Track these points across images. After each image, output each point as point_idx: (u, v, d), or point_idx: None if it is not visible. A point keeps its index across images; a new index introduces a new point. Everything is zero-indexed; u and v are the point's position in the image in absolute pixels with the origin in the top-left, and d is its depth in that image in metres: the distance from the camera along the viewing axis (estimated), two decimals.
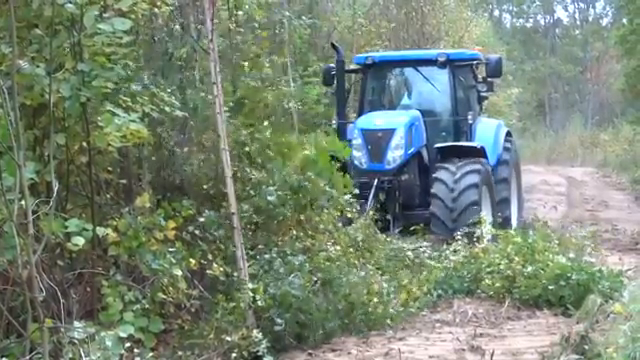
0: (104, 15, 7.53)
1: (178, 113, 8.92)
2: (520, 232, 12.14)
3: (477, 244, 11.86)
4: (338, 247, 10.24)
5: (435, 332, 9.56)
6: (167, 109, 8.65)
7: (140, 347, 7.12)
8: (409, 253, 11.69)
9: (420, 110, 14.47)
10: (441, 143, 14.24)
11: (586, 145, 37.42)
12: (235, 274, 8.67)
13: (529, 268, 10.75)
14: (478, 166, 13.46)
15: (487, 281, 10.88)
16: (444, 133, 14.72)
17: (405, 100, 15.12)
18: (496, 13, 59.12)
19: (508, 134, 15.33)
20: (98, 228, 7.38)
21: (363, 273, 10.03)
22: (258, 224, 9.77)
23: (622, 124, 36.75)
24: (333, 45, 15.22)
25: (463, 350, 8.69)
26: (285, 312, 8.64)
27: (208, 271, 8.67)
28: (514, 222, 14.74)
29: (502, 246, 11.48)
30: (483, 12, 44.58)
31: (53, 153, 6.62)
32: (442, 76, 14.69)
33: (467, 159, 13.59)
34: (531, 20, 59.21)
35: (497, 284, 10.80)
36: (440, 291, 10.95)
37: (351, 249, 10.63)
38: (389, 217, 13.29)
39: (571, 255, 11.19)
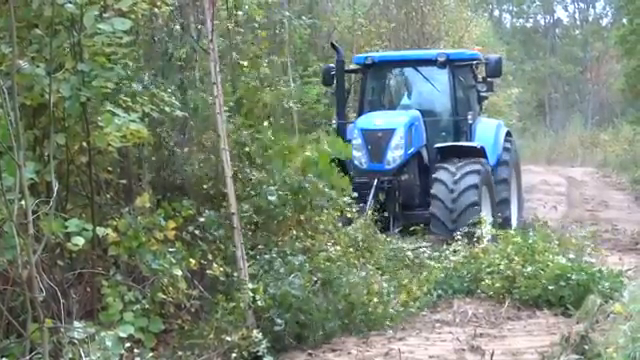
0: (104, 15, 7.52)
1: (178, 113, 8.92)
2: (520, 232, 12.14)
3: (477, 244, 11.86)
4: (338, 247, 10.24)
5: (435, 332, 9.56)
6: (167, 109, 8.65)
7: (140, 347, 7.11)
8: (409, 253, 11.70)
9: (420, 110, 14.47)
10: (441, 143, 14.24)
11: (586, 145, 37.42)
12: (235, 274, 8.66)
13: (529, 268, 10.75)
14: (478, 166, 13.46)
15: (487, 281, 10.88)
16: (444, 133, 14.72)
17: (405, 100, 15.12)
18: (496, 13, 59.19)
19: (508, 134, 15.33)
20: (98, 228, 7.38)
21: (363, 273, 10.02)
22: (258, 224, 9.77)
23: (622, 124, 36.75)
24: (333, 45, 15.22)
25: (463, 350, 8.69)
26: (285, 312, 8.64)
27: (208, 271, 8.67)
28: (514, 222, 14.74)
29: (502, 246, 11.48)
30: (483, 12, 44.60)
31: (53, 153, 6.62)
32: (442, 76, 14.69)
33: (467, 159, 13.58)
34: (531, 20, 59.26)
35: (497, 284, 10.80)
36: (440, 291, 10.95)
37: (351, 249, 10.63)
38: (389, 217, 13.28)
39: (571, 255, 11.19)
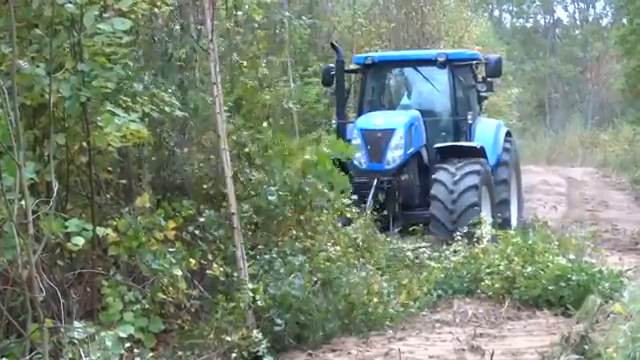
0: (104, 15, 7.52)
1: (178, 113, 8.92)
2: (520, 233, 12.13)
3: (477, 245, 11.86)
4: (338, 247, 10.24)
5: (435, 332, 9.55)
6: (167, 109, 8.65)
7: (140, 347, 7.12)
8: (409, 253, 11.70)
9: (420, 110, 14.47)
10: (441, 143, 14.24)
11: (586, 145, 37.43)
12: (235, 274, 8.66)
13: (529, 269, 10.75)
14: (478, 167, 13.45)
15: (487, 282, 10.88)
16: (444, 133, 14.71)
17: (405, 100, 15.12)
18: (496, 13, 59.19)
19: (508, 134, 15.31)
20: (98, 228, 7.38)
21: (363, 273, 10.02)
22: (258, 224, 9.77)
23: (622, 124, 36.76)
24: (333, 45, 15.21)
25: (463, 350, 8.69)
26: (285, 312, 8.64)
27: (208, 271, 8.67)
28: (514, 222, 14.73)
29: (502, 247, 11.47)
30: (483, 12, 44.59)
31: (53, 153, 6.62)
32: (442, 76, 14.69)
33: (467, 159, 13.58)
34: (531, 20, 59.27)
35: (497, 285, 10.79)
36: (440, 291, 10.95)
37: (351, 249, 10.62)
38: (389, 217, 13.28)
39: (571, 256, 11.18)
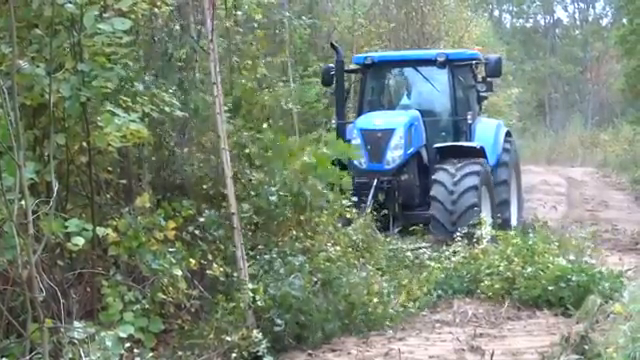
0: (104, 15, 7.52)
1: (178, 113, 8.92)
2: (520, 233, 12.12)
3: (477, 245, 11.85)
4: (338, 248, 10.24)
5: (435, 332, 9.56)
6: (167, 109, 8.65)
7: (140, 347, 7.12)
8: (409, 253, 11.70)
9: (419, 110, 14.46)
10: (440, 143, 14.24)
11: (586, 145, 37.44)
12: (235, 274, 8.66)
13: (529, 270, 10.74)
14: (477, 167, 13.43)
15: (486, 282, 10.87)
16: (443, 133, 14.71)
17: (404, 100, 15.10)
18: (496, 13, 59.19)
19: (508, 134, 15.31)
20: (98, 228, 7.38)
21: (363, 273, 10.02)
22: (258, 224, 9.76)
23: (622, 124, 36.76)
24: (332, 45, 15.20)
25: (463, 350, 8.69)
26: (285, 312, 8.64)
27: (208, 271, 8.67)
28: (514, 223, 14.71)
29: (502, 248, 11.46)
30: (483, 12, 44.59)
31: (53, 153, 6.62)
32: (441, 76, 14.68)
33: (466, 159, 13.57)
34: (531, 20, 59.28)
35: (496, 286, 10.79)
36: (440, 291, 10.95)
37: (351, 249, 10.63)
38: (389, 217, 13.28)
39: (571, 256, 11.18)
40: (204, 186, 9.56)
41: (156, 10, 9.20)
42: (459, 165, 13.41)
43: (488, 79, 14.84)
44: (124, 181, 8.89)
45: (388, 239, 11.96)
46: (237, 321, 8.31)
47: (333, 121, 14.78)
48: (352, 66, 15.52)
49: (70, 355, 6.29)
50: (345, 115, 14.78)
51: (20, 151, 5.65)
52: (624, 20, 30.48)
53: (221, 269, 8.67)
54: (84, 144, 7.66)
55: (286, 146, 10.28)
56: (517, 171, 15.79)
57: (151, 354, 7.23)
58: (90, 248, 7.41)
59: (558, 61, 52.89)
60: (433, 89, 14.83)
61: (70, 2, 7.04)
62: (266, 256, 9.26)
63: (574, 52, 53.89)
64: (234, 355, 7.95)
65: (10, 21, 5.99)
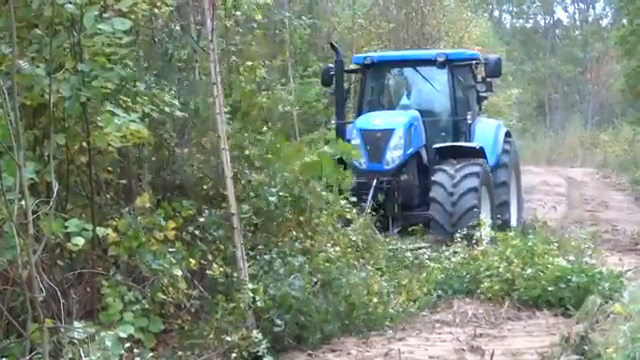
0: (104, 15, 7.53)
1: (178, 114, 8.92)
2: (519, 234, 12.11)
3: (476, 246, 11.84)
4: (338, 248, 10.24)
5: (435, 332, 9.56)
6: (167, 110, 8.65)
7: (140, 347, 7.11)
8: (408, 254, 11.69)
9: (419, 110, 14.46)
10: (440, 143, 14.23)
11: (586, 146, 37.44)
12: (235, 274, 8.67)
13: (528, 271, 10.73)
14: (477, 168, 13.41)
15: (486, 284, 10.86)
16: (443, 133, 14.70)
17: (404, 100, 15.11)
18: (496, 13, 59.22)
19: (507, 134, 15.30)
20: (98, 228, 7.38)
21: (363, 274, 10.02)
22: (258, 225, 9.77)
23: (622, 125, 36.77)
24: (332, 45, 15.20)
25: (463, 350, 8.69)
26: (285, 313, 8.64)
27: (208, 271, 8.67)
28: (514, 223, 14.71)
29: (501, 249, 11.46)
30: (483, 12, 44.58)
31: (53, 153, 6.62)
32: (441, 76, 14.68)
33: (466, 160, 13.56)
34: (531, 20, 59.31)
35: (496, 287, 10.78)
36: (440, 291, 10.95)
37: (350, 250, 10.62)
38: (388, 217, 13.27)
39: (571, 257, 11.17)
40: (204, 186, 9.56)
41: (156, 10, 9.21)
42: (458, 166, 13.39)
43: (488, 79, 14.84)
44: (124, 181, 8.89)
45: (388, 239, 11.95)
46: (237, 321, 8.32)
47: (333, 121, 14.77)
48: (352, 66, 15.52)
49: (70, 355, 6.29)
50: (345, 115, 14.78)
51: (20, 151, 5.65)
52: (624, 21, 30.49)
53: (221, 269, 8.67)
54: (84, 144, 7.66)
55: (286, 148, 10.28)
56: (517, 172, 15.78)
57: (151, 354, 7.23)
58: (90, 248, 7.41)
59: (558, 61, 52.91)
60: (433, 89, 14.82)
61: (70, 2, 7.04)
62: (266, 256, 9.27)
63: (574, 52, 53.91)
64: (234, 355, 7.95)
65: (10, 21, 5.99)
